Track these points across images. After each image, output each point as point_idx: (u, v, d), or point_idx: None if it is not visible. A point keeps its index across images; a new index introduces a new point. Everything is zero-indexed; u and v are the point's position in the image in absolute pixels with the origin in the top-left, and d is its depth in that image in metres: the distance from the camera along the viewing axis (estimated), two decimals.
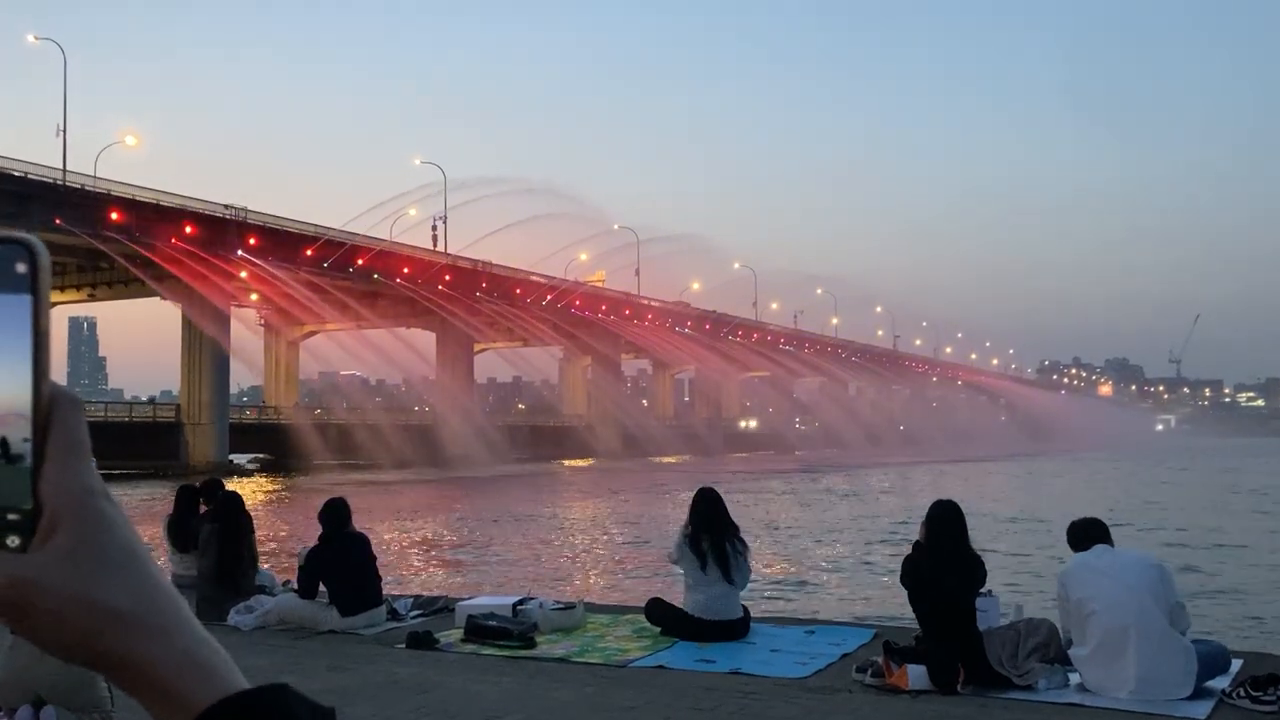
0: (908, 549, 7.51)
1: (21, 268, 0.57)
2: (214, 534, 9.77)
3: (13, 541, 0.58)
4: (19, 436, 0.57)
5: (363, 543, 9.56)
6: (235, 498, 10.37)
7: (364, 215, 65.29)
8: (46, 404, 0.58)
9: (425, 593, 11.89)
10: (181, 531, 10.59)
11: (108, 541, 0.60)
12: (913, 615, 7.48)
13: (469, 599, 10.09)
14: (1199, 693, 6.59)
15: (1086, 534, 7.09)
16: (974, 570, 7.20)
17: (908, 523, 28.10)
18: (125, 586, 0.60)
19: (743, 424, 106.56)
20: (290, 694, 0.64)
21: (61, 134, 51.83)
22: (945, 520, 7.30)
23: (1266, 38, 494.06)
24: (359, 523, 10.06)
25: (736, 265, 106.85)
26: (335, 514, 9.37)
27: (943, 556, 7.16)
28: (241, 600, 9.36)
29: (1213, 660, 6.85)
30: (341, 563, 9.18)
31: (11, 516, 0.58)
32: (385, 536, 24.42)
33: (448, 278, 68.06)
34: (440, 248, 70.64)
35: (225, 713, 0.62)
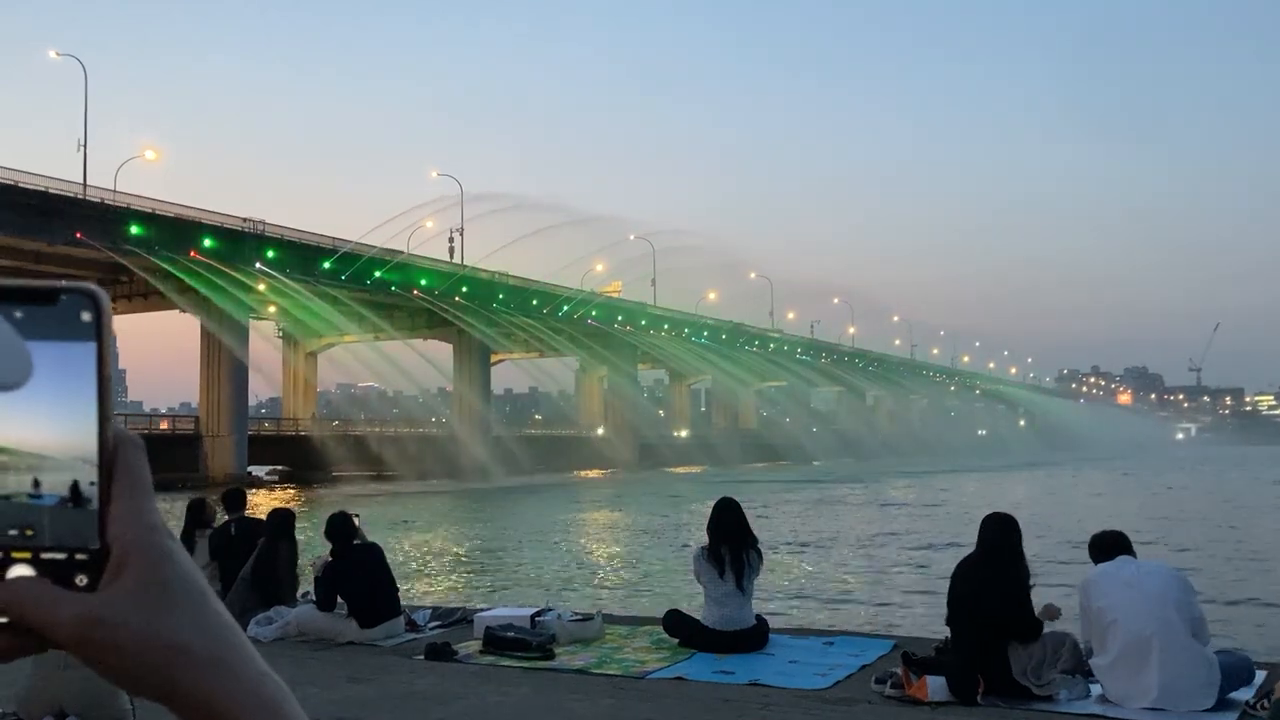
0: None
1: (87, 316, 0.60)
2: (266, 549, 9.81)
3: (81, 580, 0.60)
4: (87, 480, 0.60)
5: (377, 554, 9.59)
6: (287, 515, 10.34)
7: (381, 227, 65.53)
8: (111, 447, 0.61)
9: (443, 604, 11.91)
10: (188, 546, 10.63)
11: (172, 578, 0.62)
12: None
13: (487, 610, 10.09)
14: (1222, 704, 6.54)
15: (1108, 547, 7.04)
16: (1021, 585, 7.12)
17: (925, 533, 27.97)
18: (191, 622, 0.62)
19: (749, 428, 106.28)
20: None
21: (82, 149, 52.34)
22: (998, 532, 7.24)
23: None
24: (376, 534, 10.09)
25: (753, 275, 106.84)
26: (337, 529, 9.40)
27: (993, 568, 7.11)
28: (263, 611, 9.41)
29: (1236, 671, 6.80)
30: (358, 574, 9.20)
31: (80, 556, 0.60)
32: (402, 547, 24.45)
33: (464, 289, 68.26)
34: (457, 259, 70.91)
35: None
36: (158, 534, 0.62)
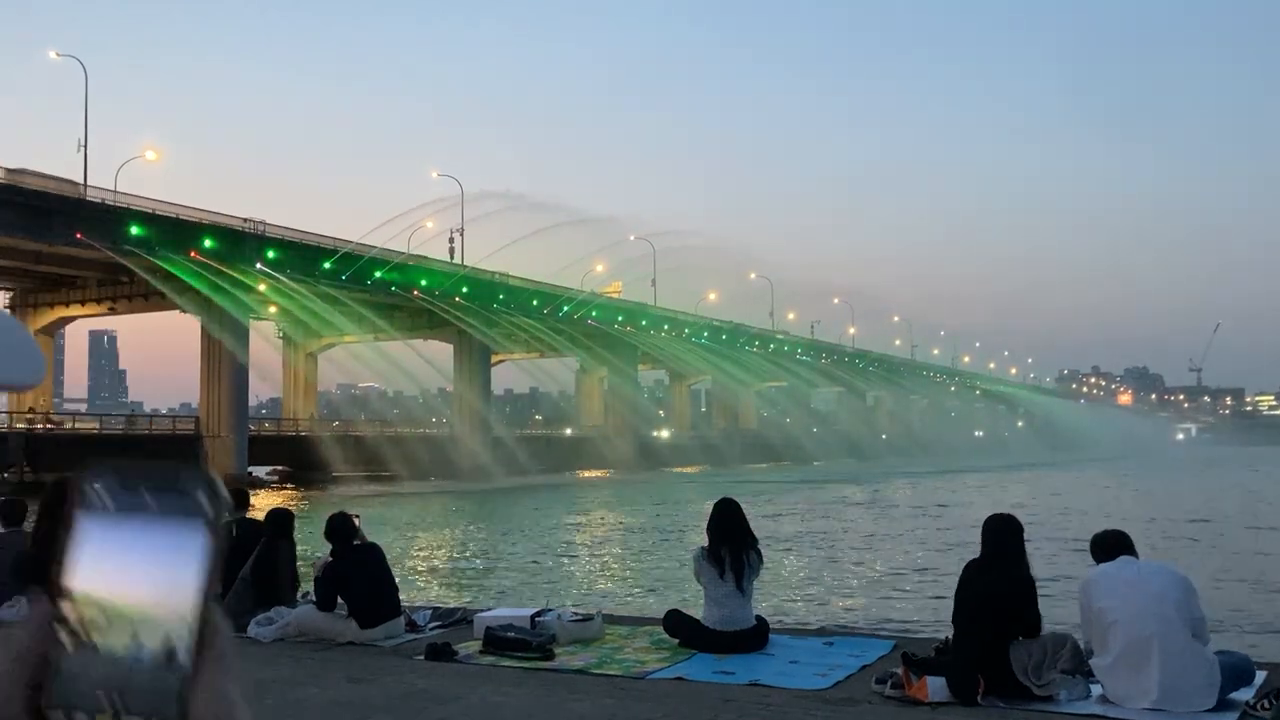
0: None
1: (203, 499, 0.69)
2: (265, 549, 9.79)
3: None
4: (184, 647, 0.67)
5: (377, 554, 9.59)
6: (286, 515, 10.33)
7: (381, 228, 65.53)
8: (206, 621, 0.68)
9: (444, 604, 11.90)
10: None
11: None
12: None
13: (487, 610, 10.10)
14: (1222, 704, 6.53)
15: (1110, 546, 7.03)
16: (1026, 586, 7.11)
17: (925, 534, 27.97)
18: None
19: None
20: None
21: (83, 149, 52.35)
22: (1002, 533, 7.24)
23: None
24: (377, 534, 10.09)
25: (753, 275, 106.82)
26: (336, 530, 9.40)
27: (997, 569, 7.11)
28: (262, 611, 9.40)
29: (1237, 672, 6.80)
30: (357, 575, 9.20)
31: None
32: (403, 548, 24.46)
33: (465, 289, 68.27)
34: (457, 260, 70.92)
35: None
36: (235, 708, 0.69)
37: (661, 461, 75.12)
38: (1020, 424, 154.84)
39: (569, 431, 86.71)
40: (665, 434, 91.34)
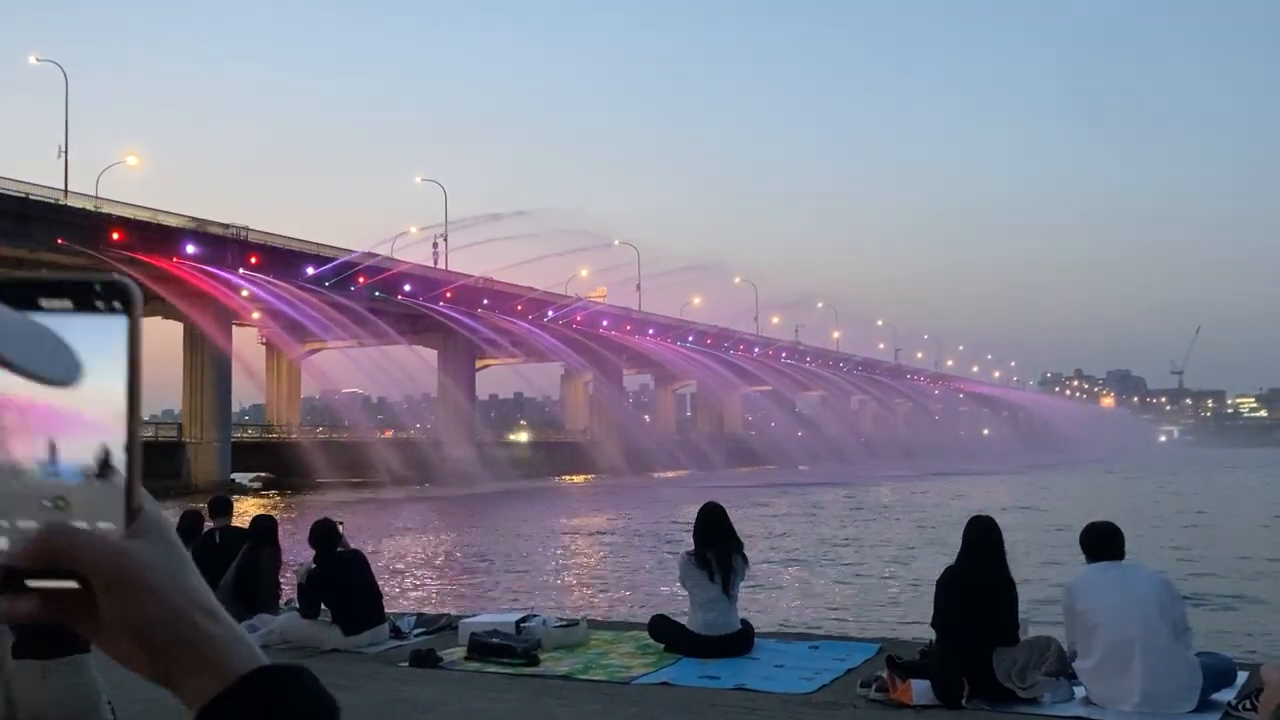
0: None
1: (118, 304, 0.65)
2: (247, 556, 9.75)
3: (112, 526, 0.65)
4: (118, 453, 0.65)
5: (360, 561, 9.57)
6: (269, 522, 10.29)
7: (366, 233, 65.49)
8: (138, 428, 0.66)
9: (428, 610, 11.88)
10: None
11: (184, 549, 0.71)
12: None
13: (472, 616, 10.08)
14: (1204, 705, 6.58)
15: (1100, 540, 7.05)
16: (1008, 590, 7.15)
17: (909, 537, 28.04)
18: (198, 575, 0.71)
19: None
20: (312, 675, 0.73)
21: (63, 154, 52.03)
22: (982, 537, 7.27)
23: (1270, 48, 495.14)
24: (361, 541, 10.07)
25: (737, 280, 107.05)
26: (321, 536, 9.38)
27: (978, 573, 7.13)
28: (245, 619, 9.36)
29: (1218, 673, 6.84)
30: (341, 581, 9.18)
31: (108, 525, 0.65)
32: (387, 554, 24.39)
33: (449, 294, 68.18)
34: (441, 265, 70.81)
35: (264, 678, 0.69)
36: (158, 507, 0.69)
37: (648, 466, 75.08)
38: (1005, 429, 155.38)
39: (555, 437, 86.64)
40: (652, 438, 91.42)
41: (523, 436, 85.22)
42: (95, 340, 0.64)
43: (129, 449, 0.65)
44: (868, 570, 21.08)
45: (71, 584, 0.64)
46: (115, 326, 0.65)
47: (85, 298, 0.65)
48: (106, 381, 0.64)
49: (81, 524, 0.64)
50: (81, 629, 0.67)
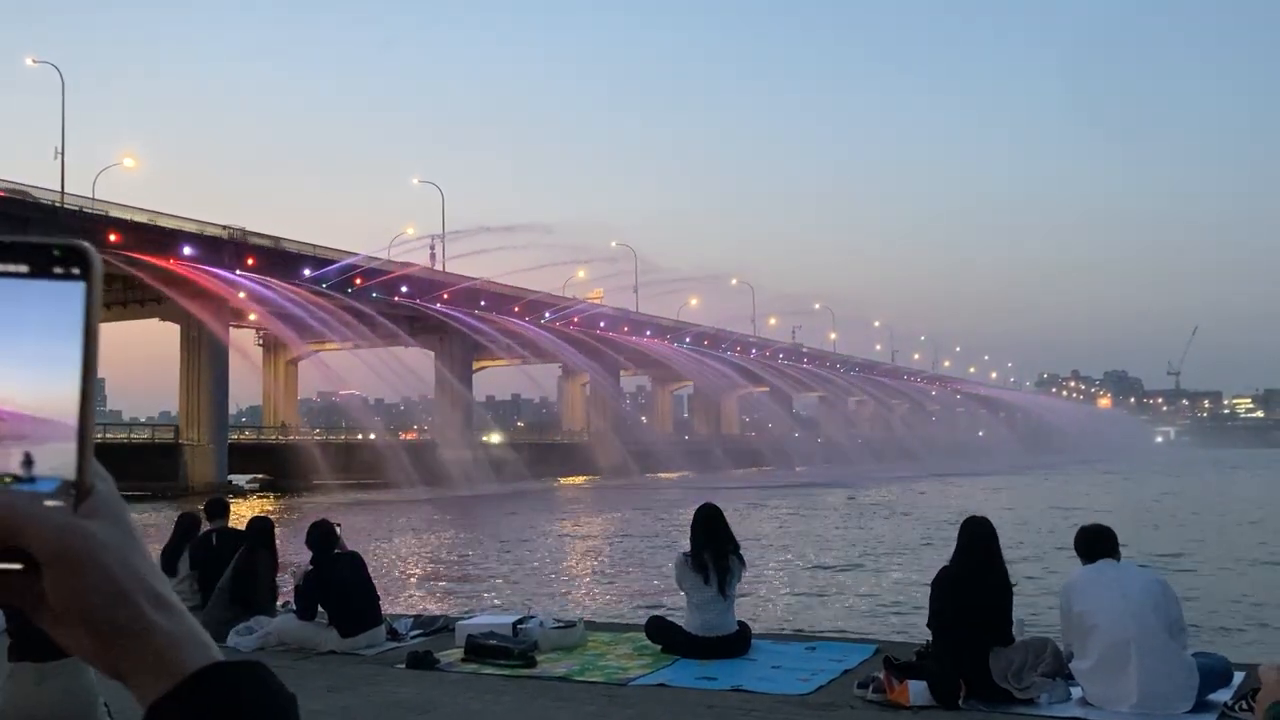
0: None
1: (76, 270, 0.62)
2: (244, 558, 9.73)
3: (60, 504, 0.62)
4: (70, 421, 0.62)
5: (357, 562, 9.56)
6: (266, 524, 10.28)
7: (364, 233, 65.54)
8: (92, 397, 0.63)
9: (425, 612, 11.87)
10: (172, 558, 10.48)
11: (135, 526, 0.67)
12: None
13: (469, 618, 10.07)
14: (1201, 706, 6.59)
15: (1095, 542, 7.07)
16: (1004, 590, 7.16)
17: (906, 538, 28.06)
18: (150, 562, 0.67)
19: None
20: (266, 670, 0.69)
21: (60, 156, 52.01)
22: (977, 537, 7.28)
23: (1270, 48, 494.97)
24: (358, 543, 10.06)
25: (735, 281, 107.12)
26: (318, 538, 9.37)
27: (973, 573, 7.14)
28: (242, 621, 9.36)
29: (1214, 673, 6.85)
30: (338, 583, 9.18)
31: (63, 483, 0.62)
32: (384, 556, 24.37)
33: (446, 296, 68.18)
34: (438, 266, 70.79)
35: (215, 675, 0.66)
36: (111, 485, 0.66)
37: (646, 467, 75.09)
38: (1002, 428, 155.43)
39: (554, 438, 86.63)
40: (650, 439, 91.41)
41: (520, 438, 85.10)
42: (51, 307, 0.61)
43: (81, 422, 0.62)
44: (865, 571, 21.09)
45: (16, 565, 0.61)
46: (73, 293, 0.61)
47: (42, 262, 0.62)
48: (61, 350, 0.61)
49: (26, 500, 0.61)
50: (33, 616, 0.64)
